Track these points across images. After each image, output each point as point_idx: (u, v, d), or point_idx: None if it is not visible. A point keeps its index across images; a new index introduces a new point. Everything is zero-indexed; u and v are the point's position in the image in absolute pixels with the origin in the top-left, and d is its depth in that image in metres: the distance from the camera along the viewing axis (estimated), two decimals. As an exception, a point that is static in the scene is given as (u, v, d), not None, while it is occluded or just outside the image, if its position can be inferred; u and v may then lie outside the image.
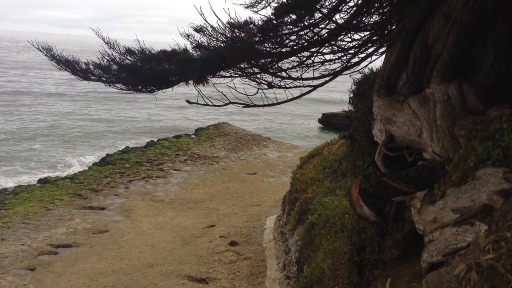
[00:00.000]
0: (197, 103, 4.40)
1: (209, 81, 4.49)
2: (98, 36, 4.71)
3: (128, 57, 4.80)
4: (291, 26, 4.71)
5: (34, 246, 13.11)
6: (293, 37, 4.55)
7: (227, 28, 4.49)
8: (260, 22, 4.61)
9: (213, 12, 4.11)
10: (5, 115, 38.99)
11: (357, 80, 7.26)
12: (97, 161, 23.67)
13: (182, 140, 27.19)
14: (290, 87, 4.53)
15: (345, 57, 4.62)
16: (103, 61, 4.68)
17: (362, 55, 4.58)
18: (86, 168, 22.24)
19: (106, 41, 4.80)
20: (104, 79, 4.77)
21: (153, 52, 4.86)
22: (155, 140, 28.08)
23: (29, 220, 14.85)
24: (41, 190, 17.85)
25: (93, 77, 4.81)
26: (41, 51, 4.63)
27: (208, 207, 16.74)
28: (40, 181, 19.74)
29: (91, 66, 4.72)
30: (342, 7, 4.56)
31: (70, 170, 23.95)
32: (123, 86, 4.80)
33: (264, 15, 4.66)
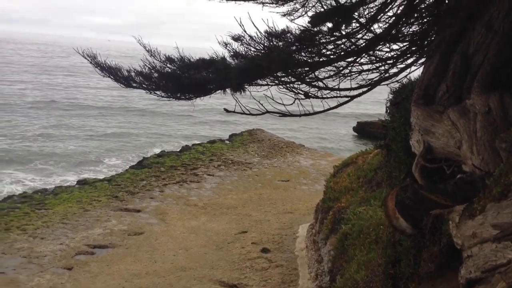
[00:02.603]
0: (234, 112, 4.47)
1: (246, 90, 4.55)
2: (140, 44, 4.85)
3: (168, 65, 4.93)
4: (328, 35, 4.72)
5: (72, 245, 13.48)
6: (330, 46, 4.55)
7: (264, 37, 4.55)
8: (298, 31, 4.64)
9: (252, 21, 4.17)
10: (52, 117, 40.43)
11: (394, 89, 7.17)
12: (134, 164, 24.20)
13: (216, 146, 27.45)
14: (327, 97, 4.54)
15: (383, 67, 4.58)
16: (145, 69, 4.82)
17: (401, 66, 4.53)
18: (123, 171, 22.79)
19: (147, 49, 4.94)
20: (145, 86, 4.91)
21: (192, 60, 4.97)
22: (190, 145, 28.47)
23: (67, 220, 15.29)
24: (79, 191, 18.38)
25: (134, 84, 4.95)
26: (86, 58, 4.81)
27: (241, 213, 16.80)
28: (79, 182, 20.33)
29: (133, 74, 4.87)
30: (381, 17, 4.53)
31: (108, 172, 24.60)
32: (163, 94, 4.92)
33: (301, 25, 4.69)
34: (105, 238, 14.09)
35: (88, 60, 4.86)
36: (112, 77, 4.97)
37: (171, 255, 13.15)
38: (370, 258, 7.00)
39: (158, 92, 4.89)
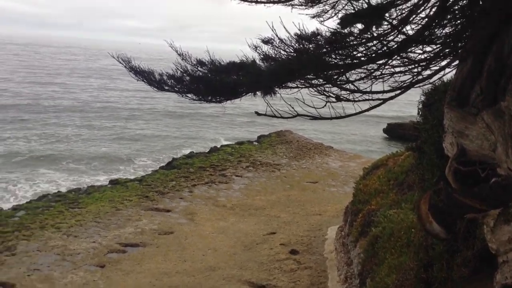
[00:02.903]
0: (265, 115, 4.49)
1: (277, 92, 4.56)
2: (172, 48, 4.93)
3: (199, 68, 5.00)
4: (359, 37, 4.69)
5: (104, 244, 13.77)
6: (361, 48, 4.52)
7: (294, 39, 4.56)
8: (328, 34, 4.63)
9: (282, 24, 4.19)
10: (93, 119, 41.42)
11: (427, 91, 7.05)
12: (164, 164, 24.56)
13: (245, 147, 27.56)
14: (359, 100, 4.51)
15: (416, 70, 4.52)
16: (177, 73, 4.90)
17: (435, 68, 4.46)
18: (153, 171, 23.16)
19: (179, 52, 5.02)
20: (177, 89, 4.99)
21: (222, 63, 5.03)
22: (218, 146, 28.68)
23: (100, 219, 15.61)
24: (111, 190, 18.76)
25: (166, 88, 5.04)
26: (120, 63, 4.92)
27: (269, 214, 16.82)
28: (111, 182, 20.78)
29: (165, 77, 4.96)
30: (413, 18, 4.47)
31: (137, 173, 25.09)
32: (194, 97, 4.99)
33: (331, 27, 4.67)
34: (136, 237, 14.33)
35: (123, 65, 4.97)
36: (145, 80, 5.07)
37: (200, 255, 13.28)
38: (402, 261, 6.91)
39: (189, 95, 4.96)
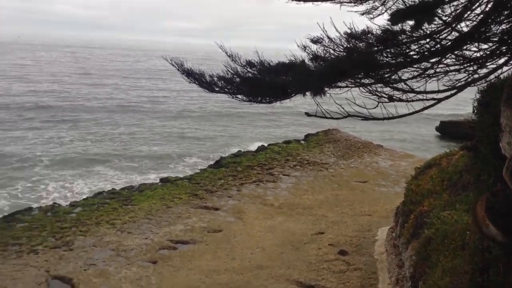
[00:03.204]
0: (315, 115, 4.48)
1: (326, 93, 4.54)
2: (221, 49, 5.01)
3: (249, 69, 5.05)
4: (411, 35, 4.58)
5: (156, 240, 14.16)
6: (413, 46, 4.42)
7: (344, 38, 4.51)
8: (379, 32, 4.55)
9: (332, 23, 4.17)
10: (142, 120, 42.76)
11: (482, 89, 6.78)
12: (212, 163, 24.94)
13: (292, 146, 27.52)
14: (412, 100, 4.40)
15: (471, 68, 4.36)
16: (227, 74, 4.97)
17: (492, 66, 4.28)
18: (201, 170, 23.59)
19: (228, 54, 5.09)
20: (227, 91, 5.07)
21: (271, 64, 5.05)
22: (266, 145, 28.78)
23: (152, 216, 16.07)
24: (162, 188, 19.27)
25: (217, 89, 5.13)
26: (174, 65, 5.06)
27: (317, 214, 16.72)
28: (161, 180, 21.34)
29: (215, 78, 5.05)
30: (468, 15, 4.32)
31: (186, 171, 25.62)
32: (244, 97, 5.05)
33: (382, 25, 4.59)
34: (186, 234, 14.64)
35: (176, 67, 5.11)
36: (196, 82, 5.18)
37: (248, 253, 13.40)
38: (456, 264, 6.69)
39: (239, 96, 5.02)
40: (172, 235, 14.54)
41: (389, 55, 4.55)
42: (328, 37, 4.57)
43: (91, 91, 60.31)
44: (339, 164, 23.77)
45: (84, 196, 19.70)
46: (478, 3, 4.16)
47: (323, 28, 4.19)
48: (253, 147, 30.29)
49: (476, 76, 4.35)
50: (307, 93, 4.70)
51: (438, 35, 4.32)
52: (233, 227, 15.38)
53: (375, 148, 27.63)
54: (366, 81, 4.69)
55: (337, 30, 4.38)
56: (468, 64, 4.38)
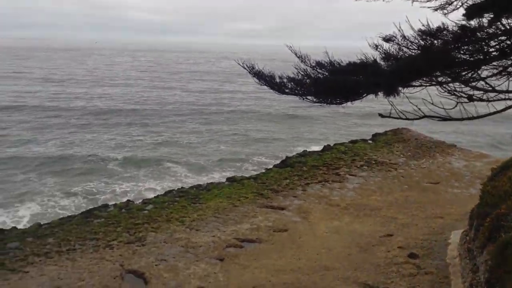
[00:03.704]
0: (389, 116, 4.36)
1: (400, 92, 4.39)
2: (291, 50, 5.01)
3: (318, 70, 5.00)
4: (489, 31, 4.33)
5: (223, 238, 14.42)
6: (492, 43, 4.16)
7: (418, 36, 4.34)
8: (455, 28, 4.34)
9: (407, 20, 4.02)
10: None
11: None
12: (278, 163, 25.02)
13: (358, 145, 26.95)
14: (493, 100, 4.15)
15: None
16: (297, 76, 4.96)
17: None
18: (267, 170, 23.75)
19: (298, 55, 5.08)
20: (296, 92, 5.05)
21: (341, 64, 4.97)
22: (331, 144, 28.42)
23: (219, 214, 16.38)
24: (229, 187, 19.58)
25: (286, 90, 5.13)
26: (245, 68, 5.12)
27: (386, 215, 16.27)
28: (228, 179, 21.70)
29: (285, 80, 5.05)
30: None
31: (252, 171, 25.95)
32: (314, 99, 5.01)
33: (458, 21, 4.37)
34: (253, 233, 14.78)
35: (247, 70, 5.17)
36: (267, 84, 5.21)
37: (314, 254, 13.30)
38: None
39: (309, 97, 4.99)
40: (239, 234, 14.73)
41: (467, 53, 4.32)
42: (402, 35, 4.41)
43: (161, 94, 62.68)
44: (409, 165, 22.97)
45: (155, 194, 20.48)
46: None
47: (399, 26, 4.06)
48: (319, 146, 30.03)
49: None
50: (379, 93, 4.57)
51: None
52: (299, 227, 15.33)
53: (448, 147, 26.42)
54: (442, 79, 4.49)
55: (411, 27, 4.23)
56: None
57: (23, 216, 20.26)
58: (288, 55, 5.40)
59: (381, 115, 4.69)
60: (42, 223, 16.51)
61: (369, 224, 15.49)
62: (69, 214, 18.23)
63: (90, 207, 18.46)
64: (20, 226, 17.42)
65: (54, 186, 23.99)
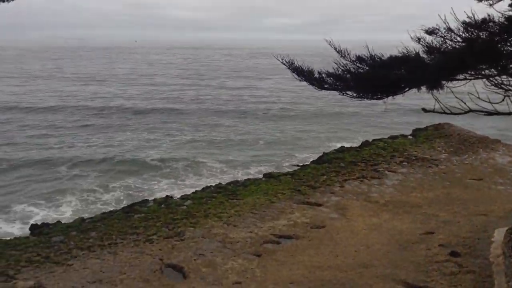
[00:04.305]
0: (433, 111, 4.24)
1: (444, 86, 4.26)
2: (330, 45, 4.95)
3: (358, 64, 4.92)
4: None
5: (260, 234, 14.46)
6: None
7: (462, 28, 4.20)
8: (501, 19, 4.17)
9: (453, 13, 3.90)
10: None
11: None
12: (315, 159, 24.87)
13: (398, 141, 26.41)
14: (546, 93, 3.98)
15: None
16: (338, 70, 4.90)
17: None
18: (302, 166, 23.65)
19: (337, 50, 5.01)
20: (336, 87, 4.99)
21: (383, 58, 4.87)
22: (370, 140, 27.98)
23: (256, 210, 16.43)
24: (266, 184, 19.60)
25: (326, 86, 5.08)
26: (284, 64, 5.11)
27: (426, 213, 15.90)
28: (265, 175, 21.73)
29: (324, 75, 4.99)
30: None
31: (288, 167, 25.91)
32: (354, 94, 4.93)
33: (502, 12, 4.20)
34: (289, 229, 14.76)
35: (286, 66, 5.15)
36: (306, 80, 5.17)
37: (352, 251, 13.15)
38: None
39: (349, 93, 4.92)
40: (276, 230, 14.74)
41: (515, 44, 4.15)
42: (446, 27, 4.27)
43: (198, 91, 63.43)
44: (451, 161, 22.34)
45: (194, 190, 20.75)
46: None
47: (444, 19, 3.93)
48: (357, 142, 29.64)
49: None
50: (422, 87, 4.45)
51: None
52: (336, 223, 15.19)
53: (492, 143, 25.52)
54: (489, 73, 4.33)
55: (456, 19, 4.09)
56: None
57: (65, 210, 21.00)
58: (327, 50, 5.33)
59: (424, 110, 4.58)
60: (85, 217, 17.06)
61: (408, 221, 15.19)
62: (111, 209, 18.76)
63: (131, 203, 18.93)
64: (63, 220, 18.06)
65: (94, 182, 24.76)
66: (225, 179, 24.22)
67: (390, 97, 4.85)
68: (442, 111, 4.23)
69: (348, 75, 4.85)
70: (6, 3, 6.96)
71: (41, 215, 20.30)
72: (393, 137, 27.94)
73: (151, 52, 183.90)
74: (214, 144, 33.39)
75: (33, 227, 16.44)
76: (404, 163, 22.01)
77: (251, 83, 73.89)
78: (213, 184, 21.12)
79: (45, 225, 16.34)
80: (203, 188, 20.30)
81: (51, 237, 14.42)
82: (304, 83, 5.21)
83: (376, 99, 4.91)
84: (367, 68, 4.81)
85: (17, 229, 18.79)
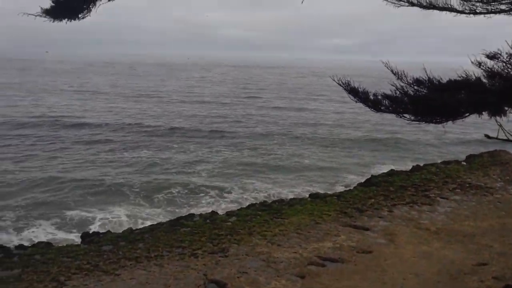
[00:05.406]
0: (496, 138, 4.10)
1: (508, 113, 4.11)
2: (387, 67, 4.89)
3: (415, 87, 4.83)
4: None
5: (305, 255, 14.26)
6: None
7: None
8: None
9: (516, 38, 3.78)
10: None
11: None
12: (362, 181, 24.42)
13: (451, 167, 25.50)
14: None
15: None
16: (395, 93, 4.83)
17: None
18: (348, 188, 23.28)
19: (394, 72, 4.95)
20: (392, 110, 4.92)
21: (441, 81, 4.76)
22: (421, 164, 27.20)
23: (300, 231, 16.25)
24: (311, 204, 19.39)
25: (382, 108, 5.01)
26: (340, 85, 5.10)
27: (479, 243, 15.17)
28: (311, 195, 21.54)
29: (379, 97, 4.94)
30: None
31: (335, 188, 25.59)
32: (412, 117, 4.84)
33: None
34: (335, 252, 14.47)
35: (343, 87, 5.14)
36: (362, 101, 5.14)
37: (400, 279, 12.71)
38: None
39: (406, 116, 4.83)
40: (321, 252, 14.49)
41: None
42: (509, 53, 4.12)
43: (246, 109, 64.11)
44: (507, 189, 21.30)
45: (238, 207, 20.86)
46: None
47: (511, 43, 3.81)
48: (407, 166, 28.88)
49: None
50: (483, 112, 4.31)
51: None
52: (384, 249, 14.76)
53: (552, 173, 24.17)
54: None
55: (520, 44, 3.95)
56: None
57: (114, 220, 21.61)
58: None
59: (487, 136, 4.44)
60: (133, 228, 17.50)
61: (461, 251, 14.54)
62: (158, 221, 19.15)
63: (178, 216, 19.26)
64: (112, 230, 18.59)
65: (140, 193, 25.39)
66: (270, 197, 24.22)
67: (449, 122, 4.73)
68: (506, 138, 4.06)
69: (405, 98, 4.77)
70: (77, 20, 7.39)
71: (94, 223, 21.01)
72: (446, 163, 27.02)
73: (202, 69, 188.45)
74: (260, 161, 33.48)
75: (84, 235, 17.04)
76: (457, 190, 21.19)
77: (298, 103, 73.80)
78: (258, 202, 21.14)
79: (96, 234, 16.90)
80: (248, 205, 20.37)
81: (101, 246, 14.86)
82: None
83: (435, 123, 4.79)
84: (425, 91, 4.72)
85: (70, 235, 19.54)
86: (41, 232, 19.86)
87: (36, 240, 17.90)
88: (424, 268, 13.33)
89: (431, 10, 5.84)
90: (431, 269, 13.21)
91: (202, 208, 23.09)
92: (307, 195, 22.13)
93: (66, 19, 7.42)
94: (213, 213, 19.21)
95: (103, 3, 7.36)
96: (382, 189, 21.24)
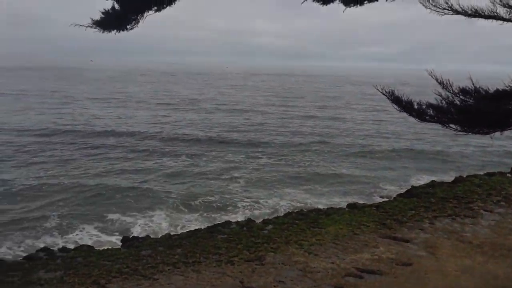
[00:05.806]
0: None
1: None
2: (432, 76, 4.82)
3: (461, 97, 4.73)
4: None
5: (342, 266, 14.08)
6: None
7: None
8: None
9: None
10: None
11: None
12: (402, 192, 23.92)
13: (495, 179, 24.63)
14: None
15: None
16: (441, 102, 4.75)
17: None
18: (388, 199, 22.82)
19: (439, 81, 4.87)
20: (437, 120, 4.83)
21: (489, 91, 4.65)
22: (464, 176, 26.39)
23: (338, 241, 16.06)
24: (349, 214, 19.15)
25: (427, 117, 4.94)
26: (384, 94, 5.06)
27: (526, 258, 14.56)
28: (349, 205, 21.27)
29: (423, 107, 4.86)
30: None
31: (374, 198, 25.17)
32: (458, 127, 4.74)
33: None
34: (373, 264, 14.22)
35: (386, 96, 5.09)
36: (405, 111, 5.07)
37: (441, 293, 12.37)
38: None
39: (452, 126, 4.73)
40: (359, 263, 14.27)
41: None
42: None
43: (282, 118, 64.08)
44: (555, 203, 20.36)
45: (275, 215, 20.83)
46: None
47: None
48: (449, 177, 28.09)
49: None
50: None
51: None
52: (425, 262, 14.38)
53: None
54: None
55: None
56: None
57: (154, 225, 21.99)
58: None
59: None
60: (172, 233, 17.78)
61: (505, 265, 13.99)
62: (196, 228, 19.36)
63: (215, 223, 19.42)
64: (152, 235, 18.93)
65: (177, 198, 25.74)
66: (307, 206, 24.06)
67: (497, 133, 4.59)
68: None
69: (451, 108, 4.67)
70: (125, 31, 7.65)
71: (134, 227, 21.45)
72: (489, 174, 26.13)
73: (240, 78, 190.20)
74: (296, 172, 33.27)
75: (124, 240, 17.44)
76: (501, 202, 20.43)
77: (336, 112, 73.16)
78: (295, 211, 21.05)
79: (135, 238, 17.27)
80: (285, 214, 20.32)
81: (140, 251, 15.18)
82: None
83: (482, 133, 4.67)
84: (471, 101, 4.60)
85: (112, 237, 20.03)
86: (85, 235, 20.44)
87: (80, 243, 18.47)
88: (466, 282, 12.90)
89: (476, 18, 5.72)
90: (473, 284, 12.77)
91: (239, 215, 23.19)
92: (345, 205, 21.86)
93: (115, 30, 7.69)
94: (250, 220, 19.28)
95: (150, 14, 7.58)
96: (423, 201, 20.74)
